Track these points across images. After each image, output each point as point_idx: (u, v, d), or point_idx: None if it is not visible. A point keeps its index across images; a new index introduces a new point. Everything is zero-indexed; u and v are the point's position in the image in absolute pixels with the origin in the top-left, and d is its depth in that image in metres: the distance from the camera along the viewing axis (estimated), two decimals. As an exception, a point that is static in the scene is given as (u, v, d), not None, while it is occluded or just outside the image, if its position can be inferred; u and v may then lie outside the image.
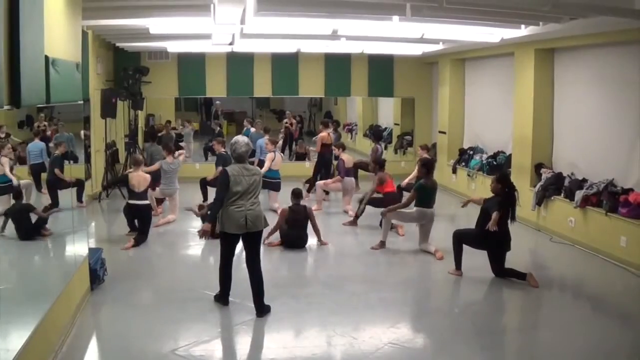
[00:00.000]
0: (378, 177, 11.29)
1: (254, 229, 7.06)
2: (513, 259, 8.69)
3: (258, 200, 7.17)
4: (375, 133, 15.01)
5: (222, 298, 7.43)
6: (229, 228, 7.02)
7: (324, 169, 14.37)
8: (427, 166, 10.09)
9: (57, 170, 7.72)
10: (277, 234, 10.01)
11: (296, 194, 10.17)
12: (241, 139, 7.27)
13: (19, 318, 5.34)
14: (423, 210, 9.78)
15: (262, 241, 7.46)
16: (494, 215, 8.23)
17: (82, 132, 9.74)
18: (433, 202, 9.92)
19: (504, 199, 8.43)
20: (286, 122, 19.87)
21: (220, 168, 12.72)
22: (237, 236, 7.14)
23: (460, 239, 8.72)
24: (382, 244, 9.94)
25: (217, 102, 23.91)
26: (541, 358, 6.45)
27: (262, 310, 7.16)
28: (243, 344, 6.68)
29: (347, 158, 13.24)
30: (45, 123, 9.14)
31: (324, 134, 14.62)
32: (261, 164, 12.78)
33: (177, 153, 11.99)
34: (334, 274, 8.86)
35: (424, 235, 9.89)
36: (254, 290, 7.20)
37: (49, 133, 8.98)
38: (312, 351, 6.30)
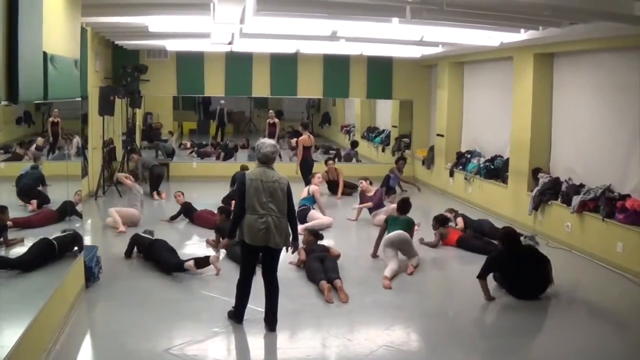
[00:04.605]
0: (439, 233, 10.68)
1: (273, 244, 6.56)
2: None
3: (283, 213, 6.61)
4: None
5: (237, 316, 6.90)
6: (246, 237, 6.56)
7: (308, 173, 14.18)
8: (399, 206, 9.92)
9: None
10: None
11: (315, 235, 9.50)
12: (268, 140, 6.86)
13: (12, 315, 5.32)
14: (387, 237, 9.29)
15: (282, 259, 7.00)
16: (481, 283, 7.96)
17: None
18: (401, 229, 9.33)
19: (498, 256, 8.22)
20: (269, 121, 19.89)
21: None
22: (257, 249, 6.65)
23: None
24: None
25: (222, 101, 23.78)
26: (536, 363, 6.45)
27: (274, 325, 6.74)
28: (237, 344, 6.66)
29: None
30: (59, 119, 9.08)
31: (304, 136, 14.55)
32: None
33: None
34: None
35: (409, 257, 9.34)
36: (268, 303, 6.77)
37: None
38: (306, 352, 6.29)
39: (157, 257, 8.82)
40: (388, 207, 12.22)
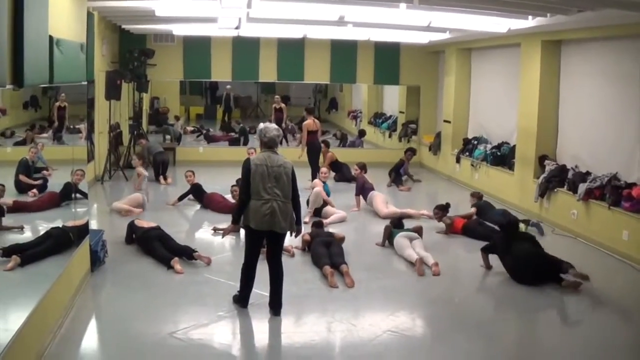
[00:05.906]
0: (445, 223, 10.58)
1: (278, 229, 6.58)
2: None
3: (287, 197, 6.64)
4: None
5: (242, 300, 6.92)
6: (251, 222, 6.55)
7: (315, 157, 14.19)
8: (393, 224, 9.82)
9: (21, 176, 7.61)
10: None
11: (317, 225, 9.57)
12: (271, 124, 6.88)
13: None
14: (398, 235, 9.33)
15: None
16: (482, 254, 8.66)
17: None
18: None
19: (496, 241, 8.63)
20: (275, 106, 19.89)
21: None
22: (261, 234, 6.68)
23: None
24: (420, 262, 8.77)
25: (228, 86, 23.68)
26: (540, 350, 6.44)
27: (279, 309, 6.77)
28: (242, 328, 6.68)
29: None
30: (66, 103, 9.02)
31: (308, 121, 14.41)
32: None
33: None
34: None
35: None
36: (272, 288, 6.81)
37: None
38: (311, 337, 6.32)
39: (148, 247, 8.72)
40: (375, 194, 12.03)
